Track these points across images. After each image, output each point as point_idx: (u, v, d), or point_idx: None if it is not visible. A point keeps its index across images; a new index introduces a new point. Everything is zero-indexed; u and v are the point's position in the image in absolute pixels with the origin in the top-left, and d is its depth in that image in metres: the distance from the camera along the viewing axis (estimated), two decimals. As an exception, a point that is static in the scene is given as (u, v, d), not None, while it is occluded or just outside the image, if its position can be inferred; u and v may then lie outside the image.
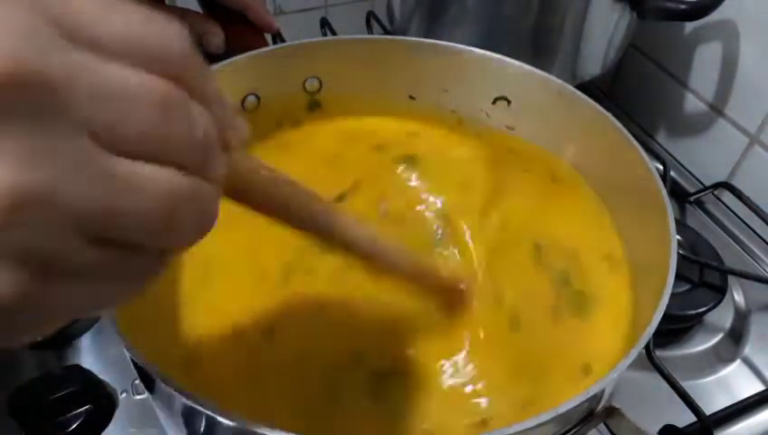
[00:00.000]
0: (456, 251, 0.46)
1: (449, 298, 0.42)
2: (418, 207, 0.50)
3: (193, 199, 0.19)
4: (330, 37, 0.73)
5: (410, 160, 0.54)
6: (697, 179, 0.72)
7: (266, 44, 0.55)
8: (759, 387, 0.52)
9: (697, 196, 0.68)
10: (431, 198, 0.51)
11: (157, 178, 0.18)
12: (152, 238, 0.19)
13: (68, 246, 0.17)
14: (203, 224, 0.20)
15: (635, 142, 0.44)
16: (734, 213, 0.67)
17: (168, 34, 0.19)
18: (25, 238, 0.16)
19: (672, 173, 0.68)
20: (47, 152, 0.16)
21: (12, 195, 0.15)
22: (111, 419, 0.45)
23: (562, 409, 0.29)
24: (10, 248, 0.16)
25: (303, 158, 0.54)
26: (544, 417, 0.28)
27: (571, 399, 0.29)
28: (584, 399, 0.29)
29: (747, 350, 0.54)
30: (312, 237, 0.32)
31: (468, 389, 0.38)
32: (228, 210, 0.24)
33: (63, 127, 0.16)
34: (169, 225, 0.19)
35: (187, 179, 0.19)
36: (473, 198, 0.50)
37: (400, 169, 0.53)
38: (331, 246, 0.34)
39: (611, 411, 0.33)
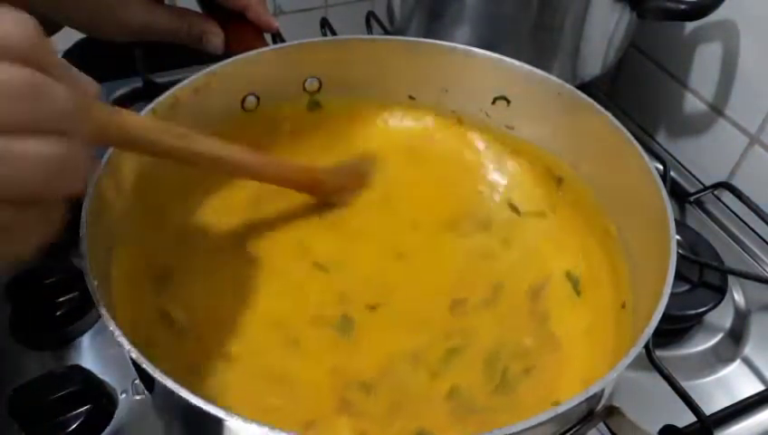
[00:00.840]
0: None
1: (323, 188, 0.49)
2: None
3: (64, 160, 0.25)
4: (330, 37, 0.73)
5: (410, 160, 0.55)
6: (697, 179, 0.72)
7: (266, 44, 0.55)
8: (759, 387, 0.51)
9: (697, 196, 0.68)
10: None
11: (28, 148, 0.24)
12: (37, 192, 0.25)
13: None
14: (77, 173, 0.26)
15: (635, 142, 0.44)
16: (734, 213, 0.67)
17: (6, 24, 0.24)
18: None
19: (672, 173, 0.68)
20: None
21: None
22: (111, 419, 0.45)
23: (562, 408, 0.29)
24: None
25: (302, 157, 0.54)
26: (544, 416, 0.28)
27: (570, 398, 0.29)
28: (583, 398, 0.29)
29: (747, 350, 0.54)
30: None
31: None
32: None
33: None
34: (46, 180, 0.25)
35: (55, 144, 0.25)
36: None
37: (399, 170, 0.54)
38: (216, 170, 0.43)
39: (611, 411, 0.33)
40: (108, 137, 0.33)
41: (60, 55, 0.94)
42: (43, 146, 0.24)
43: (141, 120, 0.36)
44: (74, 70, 0.29)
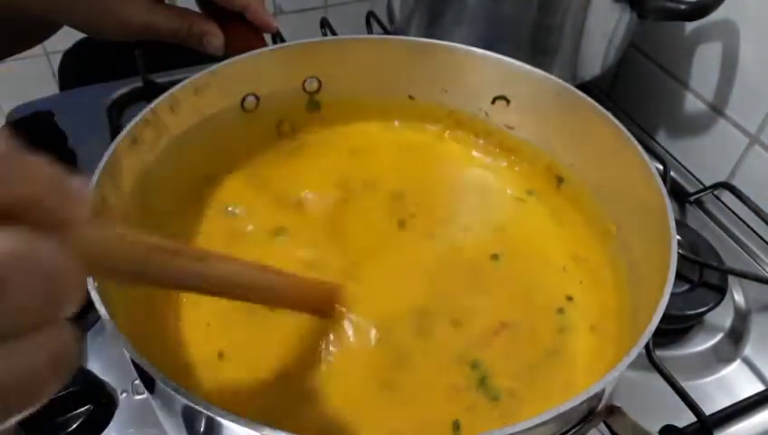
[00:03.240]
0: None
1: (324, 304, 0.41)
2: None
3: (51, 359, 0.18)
4: (329, 37, 0.73)
5: (407, 161, 0.54)
6: (697, 179, 0.72)
7: (265, 44, 0.55)
8: (759, 387, 0.52)
9: (697, 196, 0.68)
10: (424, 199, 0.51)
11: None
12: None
13: None
14: (65, 364, 0.19)
15: (635, 142, 0.44)
16: (734, 213, 0.67)
17: None
18: None
19: (672, 173, 0.68)
20: None
21: None
22: (111, 419, 0.45)
23: (563, 408, 0.29)
24: None
25: (302, 157, 0.54)
26: (545, 416, 0.28)
27: (571, 398, 0.29)
28: (585, 398, 0.29)
29: (747, 350, 0.54)
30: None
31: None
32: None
33: None
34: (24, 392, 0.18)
35: (33, 346, 0.18)
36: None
37: (397, 169, 0.54)
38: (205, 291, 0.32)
39: (612, 410, 0.33)
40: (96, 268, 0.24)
41: (60, 56, 0.93)
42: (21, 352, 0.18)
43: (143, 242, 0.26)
44: (57, 176, 0.20)
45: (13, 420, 0.18)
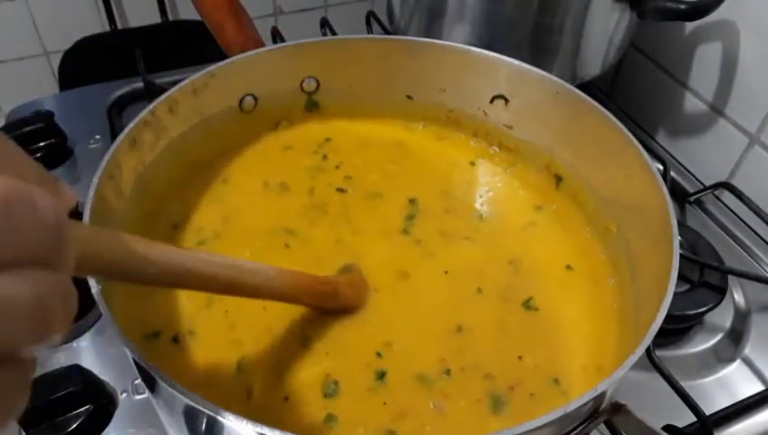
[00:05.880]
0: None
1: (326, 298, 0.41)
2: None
3: (57, 292, 0.18)
4: (326, 37, 0.73)
5: (404, 161, 0.55)
6: (697, 179, 0.72)
7: (263, 45, 0.55)
8: (759, 387, 0.51)
9: (697, 196, 0.68)
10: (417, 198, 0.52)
11: (17, 289, 0.17)
12: (27, 344, 0.18)
13: None
14: (70, 308, 0.19)
15: (635, 142, 0.44)
16: (734, 213, 0.67)
17: None
18: None
19: (672, 173, 0.68)
20: None
21: None
22: (111, 419, 0.45)
23: (568, 408, 0.29)
24: None
25: (301, 157, 0.54)
26: (551, 416, 0.28)
27: (576, 398, 0.29)
28: (590, 398, 0.30)
29: (747, 350, 0.54)
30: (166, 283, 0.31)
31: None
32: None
33: None
34: (41, 326, 0.18)
35: (45, 275, 0.18)
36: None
37: (394, 169, 0.54)
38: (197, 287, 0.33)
39: (618, 408, 0.33)
40: (93, 265, 0.25)
41: (60, 56, 0.94)
42: (22, 283, 0.17)
43: (138, 242, 0.27)
44: (52, 175, 0.21)
45: (25, 355, 0.18)
